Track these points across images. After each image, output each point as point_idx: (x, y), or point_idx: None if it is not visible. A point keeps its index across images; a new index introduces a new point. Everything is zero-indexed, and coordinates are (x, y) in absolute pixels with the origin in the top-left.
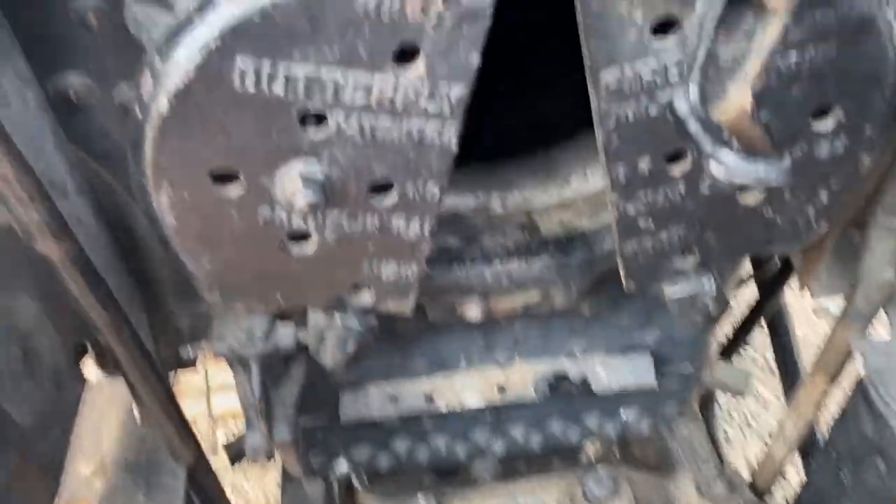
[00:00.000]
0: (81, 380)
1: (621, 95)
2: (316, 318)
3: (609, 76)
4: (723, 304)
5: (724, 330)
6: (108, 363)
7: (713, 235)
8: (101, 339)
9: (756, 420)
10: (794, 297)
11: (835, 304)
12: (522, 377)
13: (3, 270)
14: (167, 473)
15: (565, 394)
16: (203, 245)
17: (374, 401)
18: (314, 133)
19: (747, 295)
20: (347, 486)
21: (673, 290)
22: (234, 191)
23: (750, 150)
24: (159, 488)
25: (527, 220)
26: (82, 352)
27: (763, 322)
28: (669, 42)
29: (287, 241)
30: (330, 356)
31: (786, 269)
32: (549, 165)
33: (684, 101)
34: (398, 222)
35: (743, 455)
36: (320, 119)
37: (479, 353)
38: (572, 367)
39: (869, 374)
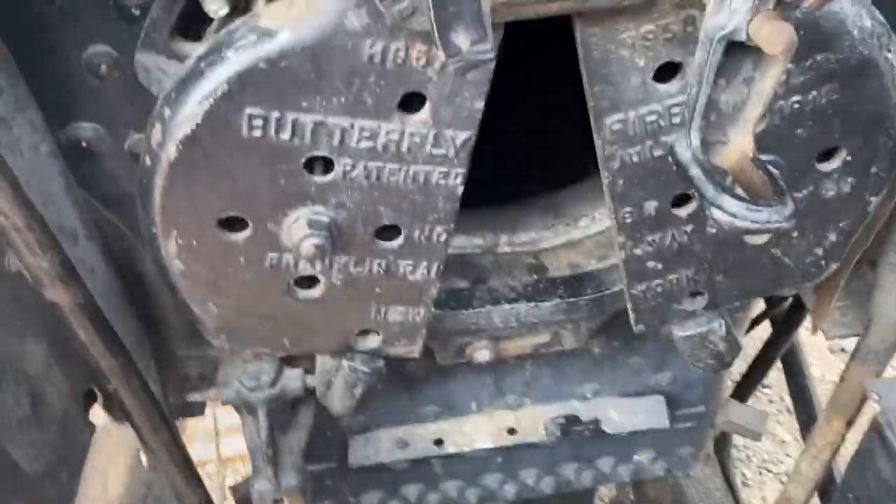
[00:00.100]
0: (89, 426)
1: (626, 139)
2: (323, 362)
3: (613, 120)
4: (734, 346)
5: (739, 368)
6: (115, 409)
7: (722, 276)
8: (109, 386)
9: (774, 461)
10: (809, 335)
11: (851, 341)
12: (533, 420)
13: (13, 316)
14: None
15: (577, 436)
16: (210, 290)
17: (384, 445)
18: (321, 178)
19: (762, 333)
20: None
21: (683, 332)
22: (241, 236)
23: (753, 195)
24: None
25: (535, 260)
26: (91, 398)
27: (779, 361)
28: (672, 86)
29: (294, 285)
30: (338, 401)
31: (800, 308)
32: (556, 206)
33: (685, 147)
34: (405, 266)
35: (761, 497)
36: (327, 164)
37: (490, 396)
38: (584, 409)
39: (884, 415)
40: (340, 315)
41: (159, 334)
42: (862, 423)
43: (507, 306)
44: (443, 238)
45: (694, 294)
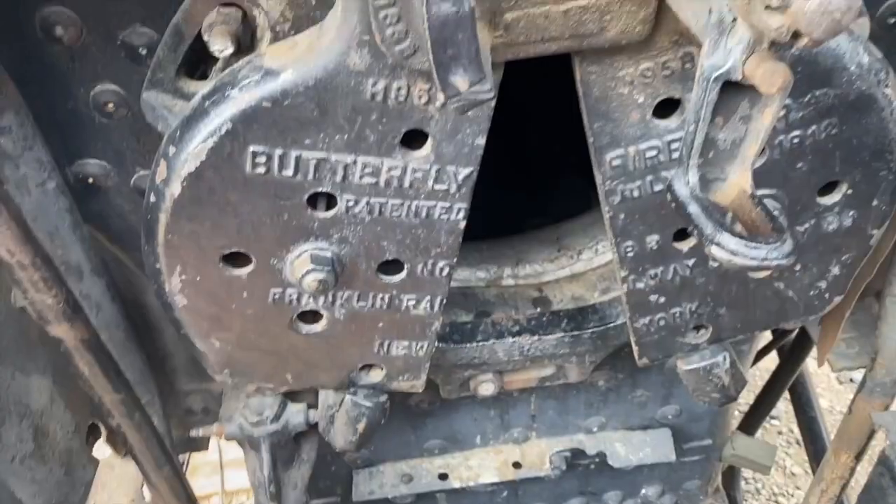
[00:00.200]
0: (92, 461)
1: (626, 174)
2: (326, 396)
3: (613, 156)
4: (739, 379)
5: (747, 399)
6: (119, 443)
7: (725, 310)
8: (112, 421)
9: (784, 494)
10: (817, 366)
11: (859, 372)
12: (539, 453)
13: (18, 351)
14: None
15: (583, 470)
16: (213, 325)
17: (388, 479)
18: (324, 214)
19: (769, 364)
20: None
21: (687, 365)
22: (244, 272)
23: (752, 232)
24: None
25: (539, 293)
26: (94, 432)
27: (787, 392)
28: (672, 122)
29: (297, 320)
30: (340, 436)
31: (806, 338)
32: (560, 238)
33: (683, 184)
34: (408, 300)
35: None
36: (330, 200)
37: (495, 430)
38: (590, 443)
39: (893, 448)
40: (343, 350)
41: (164, 368)
42: (873, 456)
43: (510, 339)
44: (445, 272)
45: (697, 327)
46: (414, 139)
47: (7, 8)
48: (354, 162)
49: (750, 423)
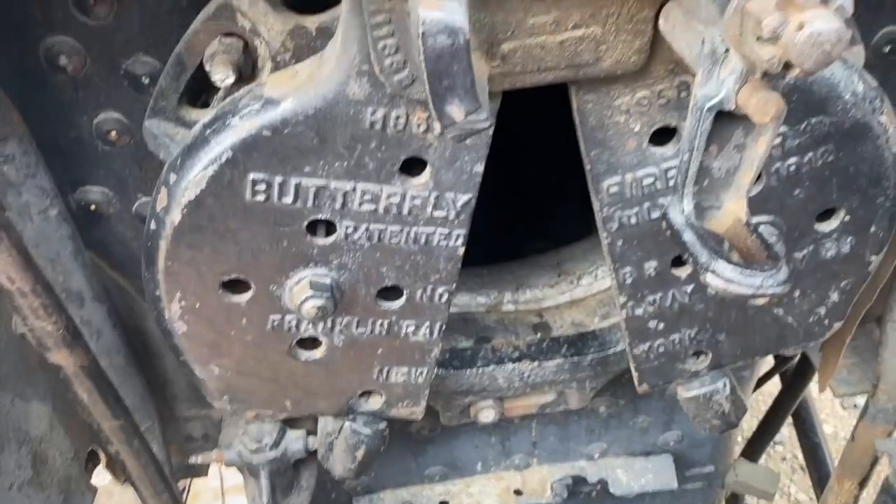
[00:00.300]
0: (91, 489)
1: (623, 201)
2: (325, 423)
3: (610, 183)
4: (740, 406)
5: (750, 425)
6: (118, 470)
7: (724, 336)
8: (111, 448)
9: None
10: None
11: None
12: (540, 480)
13: (18, 377)
14: None
15: (585, 497)
16: (212, 352)
17: None
18: (323, 241)
19: (772, 389)
20: None
21: (687, 392)
22: (243, 298)
23: (748, 260)
24: None
25: (539, 319)
26: (94, 459)
27: (791, 418)
28: (669, 150)
29: (296, 347)
30: (339, 463)
31: (809, 364)
32: (560, 264)
33: (678, 212)
34: (407, 326)
35: None
36: (329, 227)
37: (496, 456)
38: (591, 470)
39: None
40: (342, 376)
41: (164, 394)
42: (878, 482)
43: (510, 365)
44: (444, 298)
45: (697, 354)
46: (413, 166)
47: (12, 38)
48: (354, 189)
49: (753, 448)
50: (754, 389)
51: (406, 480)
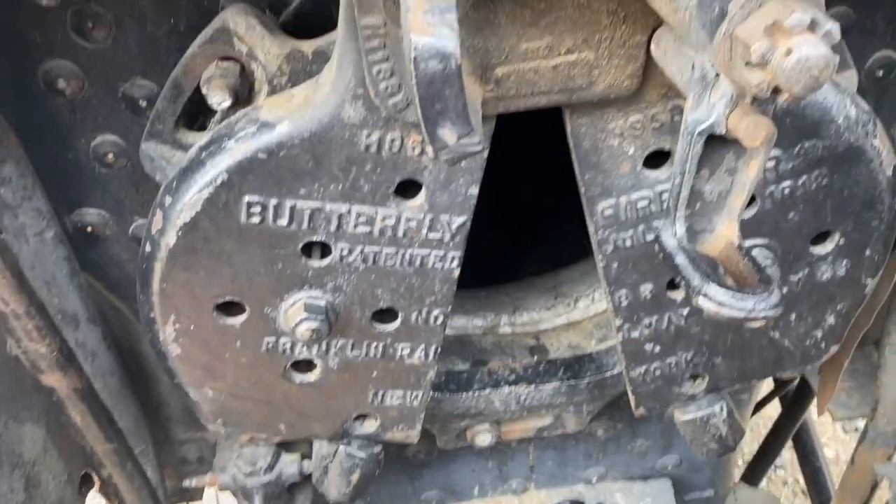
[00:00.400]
0: None
1: (618, 223)
2: (320, 447)
3: (604, 206)
4: (737, 429)
5: (751, 448)
6: (111, 494)
7: (721, 359)
8: (104, 471)
9: None
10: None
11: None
12: None
13: (12, 400)
14: None
15: None
16: (207, 374)
17: None
18: (318, 263)
19: (772, 411)
20: None
21: (684, 416)
22: (238, 320)
23: (740, 283)
24: None
25: (536, 341)
26: (87, 483)
27: (791, 441)
28: (663, 173)
29: (291, 369)
30: (334, 488)
31: (808, 388)
32: (557, 286)
33: (671, 235)
34: (403, 349)
35: None
36: (324, 249)
37: (493, 480)
38: (589, 494)
39: None
40: (337, 399)
41: (159, 417)
42: None
43: (507, 389)
44: (440, 320)
45: (693, 377)
46: (408, 189)
47: (10, 61)
48: (349, 211)
49: (754, 472)
50: (754, 413)
51: None
